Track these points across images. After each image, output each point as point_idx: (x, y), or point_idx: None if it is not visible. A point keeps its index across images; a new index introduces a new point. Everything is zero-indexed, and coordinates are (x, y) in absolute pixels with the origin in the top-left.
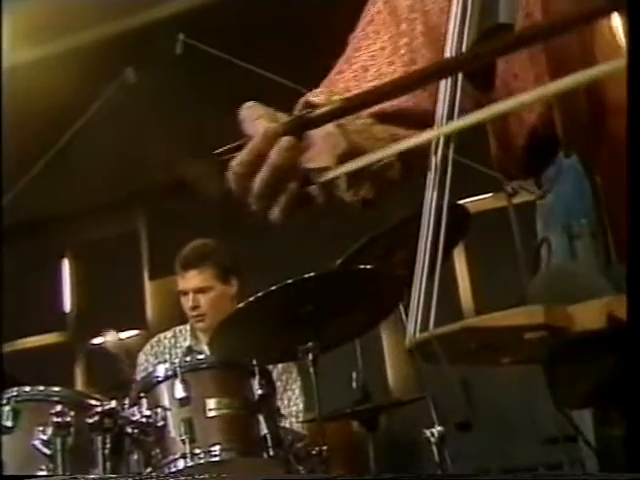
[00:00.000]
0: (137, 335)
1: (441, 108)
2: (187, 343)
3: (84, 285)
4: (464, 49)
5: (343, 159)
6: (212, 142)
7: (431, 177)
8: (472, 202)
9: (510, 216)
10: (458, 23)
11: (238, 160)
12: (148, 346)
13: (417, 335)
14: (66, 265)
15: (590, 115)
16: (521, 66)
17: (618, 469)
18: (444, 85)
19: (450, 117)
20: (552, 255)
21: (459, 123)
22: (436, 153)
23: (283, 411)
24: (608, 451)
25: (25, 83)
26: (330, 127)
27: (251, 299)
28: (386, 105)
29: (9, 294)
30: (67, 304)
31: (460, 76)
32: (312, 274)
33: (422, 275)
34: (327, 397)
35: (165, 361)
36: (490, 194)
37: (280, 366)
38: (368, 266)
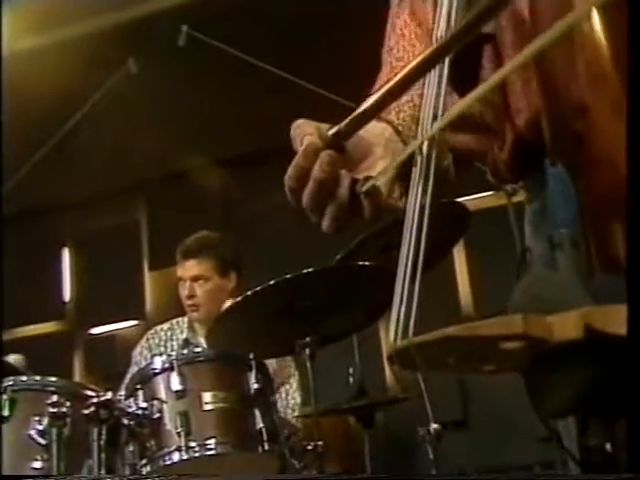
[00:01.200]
0: (135, 326)
1: (426, 108)
2: (184, 335)
3: (84, 274)
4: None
5: (404, 166)
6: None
7: (415, 177)
8: (473, 200)
9: (509, 215)
10: (445, 14)
11: (288, 175)
12: (144, 340)
13: (397, 342)
14: (66, 254)
15: (574, 124)
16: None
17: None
18: (428, 85)
19: (435, 117)
20: (534, 263)
21: (441, 121)
22: (420, 153)
23: (280, 404)
24: (589, 460)
25: (27, 71)
26: (389, 132)
27: (249, 293)
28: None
29: (9, 282)
30: (67, 293)
31: (444, 79)
32: (310, 269)
33: (404, 281)
34: (324, 392)
35: (161, 353)
36: (491, 192)
37: (278, 360)
38: (366, 263)
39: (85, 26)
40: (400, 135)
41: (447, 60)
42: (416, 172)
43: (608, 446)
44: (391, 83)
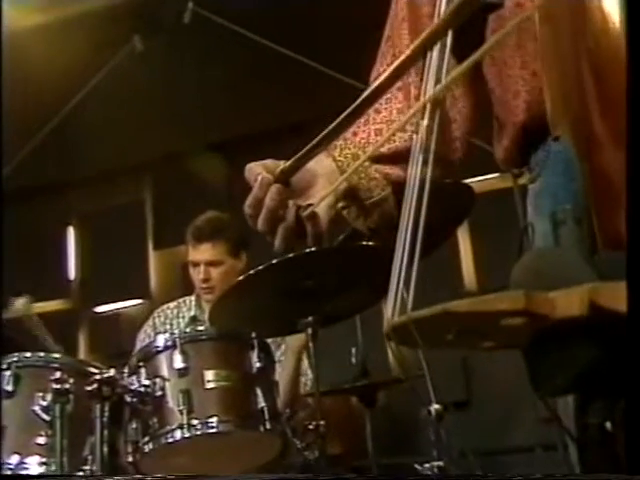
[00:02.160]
0: (140, 304)
1: (426, 78)
2: (191, 313)
3: (89, 253)
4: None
5: (342, 195)
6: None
7: (415, 151)
8: (479, 182)
9: (515, 197)
10: (445, 3)
11: (246, 204)
12: (150, 319)
13: (395, 318)
14: (71, 233)
15: (581, 101)
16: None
17: (596, 456)
18: (429, 58)
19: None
20: (536, 240)
21: (439, 87)
22: (419, 125)
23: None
24: (587, 438)
25: (31, 49)
26: (332, 167)
27: (251, 272)
28: (384, 148)
29: (14, 260)
30: (72, 272)
31: (447, 49)
32: (313, 249)
33: (402, 257)
34: (327, 372)
35: (166, 331)
36: (496, 174)
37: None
38: (369, 243)
39: (90, 3)
40: (340, 170)
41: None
42: (416, 143)
43: (608, 424)
44: (338, 120)
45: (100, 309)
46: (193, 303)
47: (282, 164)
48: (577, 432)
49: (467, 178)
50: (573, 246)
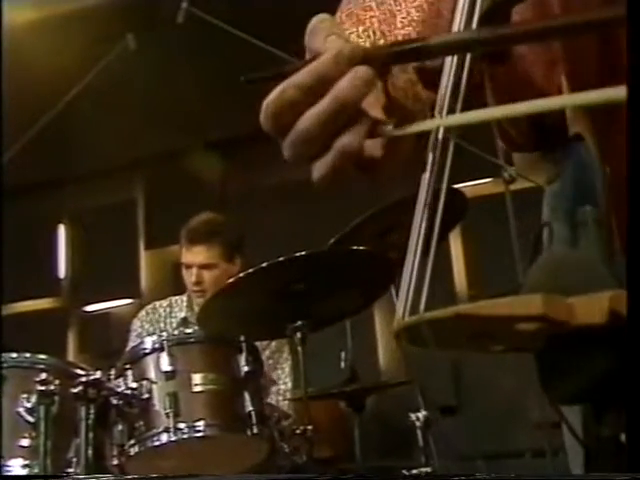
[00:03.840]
0: (130, 304)
1: (444, 89)
2: (182, 314)
3: (80, 252)
4: (475, 18)
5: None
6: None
7: (430, 160)
8: (471, 186)
9: (507, 202)
10: None
11: (293, 81)
12: (143, 312)
13: (406, 318)
14: (62, 231)
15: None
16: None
17: (603, 466)
18: (448, 64)
19: (454, 98)
20: (554, 242)
21: (462, 117)
22: (437, 135)
23: (272, 389)
24: (599, 450)
25: (25, 45)
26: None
27: (241, 274)
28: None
29: (4, 258)
30: (62, 270)
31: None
32: (303, 253)
33: (415, 256)
34: (316, 376)
35: (161, 330)
36: (489, 179)
37: (273, 344)
38: (360, 247)
39: (85, 1)
40: (387, 82)
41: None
42: (430, 149)
43: (622, 437)
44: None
45: (90, 308)
46: (184, 304)
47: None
48: (587, 442)
49: (459, 183)
50: (593, 248)
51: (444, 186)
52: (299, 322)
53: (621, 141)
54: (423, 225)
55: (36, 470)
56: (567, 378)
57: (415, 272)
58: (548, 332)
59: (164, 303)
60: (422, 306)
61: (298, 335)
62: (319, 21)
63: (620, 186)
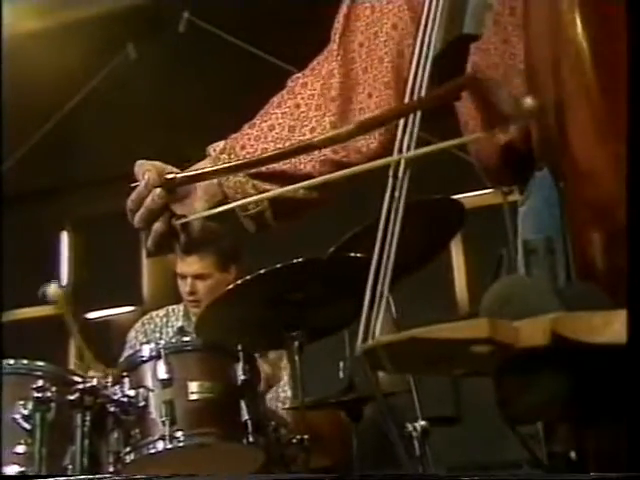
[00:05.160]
0: (132, 311)
1: (401, 133)
2: (179, 323)
3: (82, 259)
4: (429, 59)
5: (218, 206)
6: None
7: (389, 188)
8: (473, 197)
9: (505, 214)
10: (423, 35)
11: (129, 197)
12: (139, 323)
13: (365, 343)
14: (65, 238)
15: (558, 130)
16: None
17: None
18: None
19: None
20: (508, 267)
21: (415, 152)
22: (396, 174)
23: (271, 396)
24: (553, 466)
25: (28, 54)
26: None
27: (239, 282)
28: (263, 167)
29: (6, 265)
30: (64, 277)
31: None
32: (300, 260)
33: (374, 283)
34: (315, 386)
35: (157, 339)
36: (489, 190)
37: (273, 352)
38: (357, 255)
39: (86, 10)
40: (219, 182)
41: (429, 64)
42: (391, 185)
43: (573, 454)
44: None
45: (92, 315)
46: (181, 313)
47: (170, 169)
48: (545, 458)
49: (461, 193)
50: (543, 275)
51: (399, 216)
52: (296, 331)
53: (575, 171)
54: (384, 254)
55: None
56: (518, 399)
57: (377, 297)
58: (498, 355)
59: (161, 313)
60: (377, 331)
61: (295, 344)
62: (139, 165)
63: (576, 212)
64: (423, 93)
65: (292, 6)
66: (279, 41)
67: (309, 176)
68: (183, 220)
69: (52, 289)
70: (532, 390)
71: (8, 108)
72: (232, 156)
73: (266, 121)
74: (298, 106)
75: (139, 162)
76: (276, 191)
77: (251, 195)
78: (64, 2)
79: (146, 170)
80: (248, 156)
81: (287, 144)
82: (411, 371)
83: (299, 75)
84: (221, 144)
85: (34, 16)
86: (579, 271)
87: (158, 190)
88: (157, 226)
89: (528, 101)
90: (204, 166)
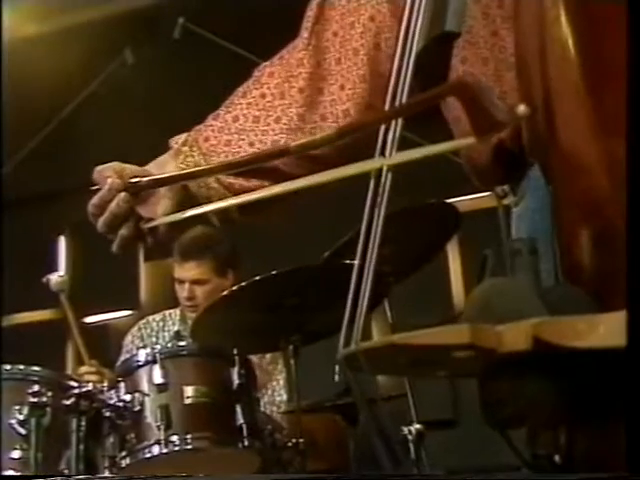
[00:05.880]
0: (130, 315)
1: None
2: (176, 328)
3: (80, 263)
4: (413, 56)
5: (181, 204)
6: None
7: (370, 196)
8: (469, 200)
9: (499, 217)
10: (406, 32)
11: (92, 202)
12: (136, 327)
13: (346, 348)
14: (63, 242)
15: (546, 125)
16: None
17: None
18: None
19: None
20: (494, 270)
21: (398, 158)
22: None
23: (267, 400)
24: (538, 469)
25: (27, 58)
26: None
27: (235, 288)
28: (227, 159)
29: (4, 269)
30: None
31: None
32: (296, 267)
33: (356, 288)
34: (311, 389)
35: (152, 344)
36: (485, 194)
37: (269, 355)
38: (353, 261)
39: (84, 15)
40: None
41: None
42: (373, 191)
43: (557, 457)
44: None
45: (90, 319)
46: (177, 318)
47: (130, 170)
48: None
49: (457, 196)
50: (526, 278)
51: (380, 226)
52: (292, 335)
53: (564, 169)
54: (367, 263)
55: None
56: (501, 403)
57: (359, 303)
58: (481, 360)
59: (157, 317)
60: (358, 336)
61: (291, 348)
62: (100, 170)
63: (565, 212)
64: (406, 92)
65: (287, 11)
66: (275, 46)
67: (277, 171)
68: (151, 224)
69: (56, 278)
70: (516, 394)
71: (7, 113)
72: (194, 149)
73: (230, 112)
74: (264, 96)
75: (98, 169)
76: (243, 198)
77: (215, 189)
78: (62, 7)
79: (107, 176)
80: (212, 148)
81: (251, 135)
82: (395, 374)
83: (267, 64)
84: (183, 136)
85: (31, 21)
86: (566, 273)
87: (122, 194)
88: (123, 231)
89: (521, 108)
90: (165, 161)
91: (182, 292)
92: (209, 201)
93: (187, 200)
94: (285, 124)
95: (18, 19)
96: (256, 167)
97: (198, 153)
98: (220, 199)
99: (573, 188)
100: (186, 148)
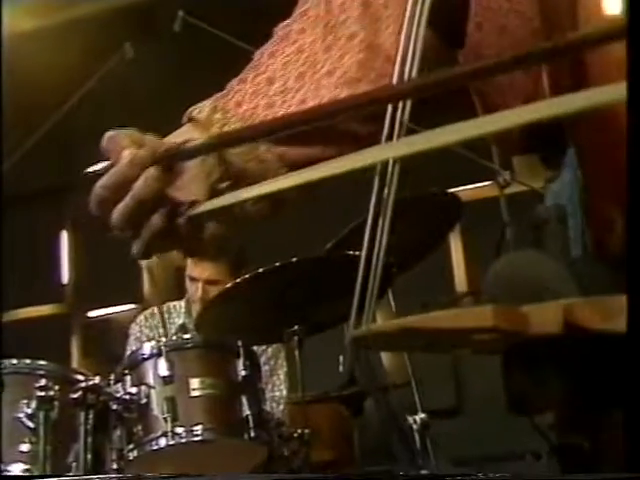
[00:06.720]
0: (133, 309)
1: (389, 121)
2: (181, 320)
3: (83, 258)
4: (419, 34)
5: (219, 186)
6: None
7: (376, 186)
8: (471, 190)
9: (501, 206)
10: (412, 6)
11: (102, 183)
12: (142, 317)
13: (357, 329)
14: (65, 237)
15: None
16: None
17: (580, 471)
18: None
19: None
20: (515, 244)
21: (409, 147)
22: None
23: (267, 395)
24: (566, 457)
25: (26, 53)
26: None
27: (238, 280)
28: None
29: (8, 264)
30: (65, 276)
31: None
32: (300, 258)
33: (366, 270)
34: (316, 380)
35: (160, 335)
36: (488, 182)
37: (270, 350)
38: (356, 252)
39: (83, 10)
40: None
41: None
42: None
43: (586, 445)
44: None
45: (93, 314)
46: (182, 310)
47: (149, 138)
48: (557, 449)
49: (459, 185)
50: (555, 249)
51: (390, 208)
52: (296, 327)
53: (600, 143)
54: (377, 243)
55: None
56: (527, 389)
57: (369, 284)
58: (504, 342)
59: (163, 309)
60: (369, 317)
61: (295, 339)
62: (109, 137)
63: (600, 190)
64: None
65: (288, 4)
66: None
67: (341, 131)
68: (195, 211)
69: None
70: (544, 379)
71: (6, 108)
72: (229, 115)
73: (260, 74)
74: (302, 50)
75: (108, 135)
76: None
77: (266, 162)
78: (60, 2)
79: (124, 145)
80: (250, 112)
81: (299, 93)
82: (411, 351)
83: (287, 22)
84: (206, 104)
85: (31, 16)
86: (598, 250)
87: (152, 170)
88: (155, 222)
89: None
90: (191, 136)
91: (195, 290)
92: (262, 178)
93: (227, 179)
94: (340, 77)
95: (17, 14)
96: (310, 134)
97: (235, 119)
98: (275, 175)
99: (611, 168)
100: (218, 115)
